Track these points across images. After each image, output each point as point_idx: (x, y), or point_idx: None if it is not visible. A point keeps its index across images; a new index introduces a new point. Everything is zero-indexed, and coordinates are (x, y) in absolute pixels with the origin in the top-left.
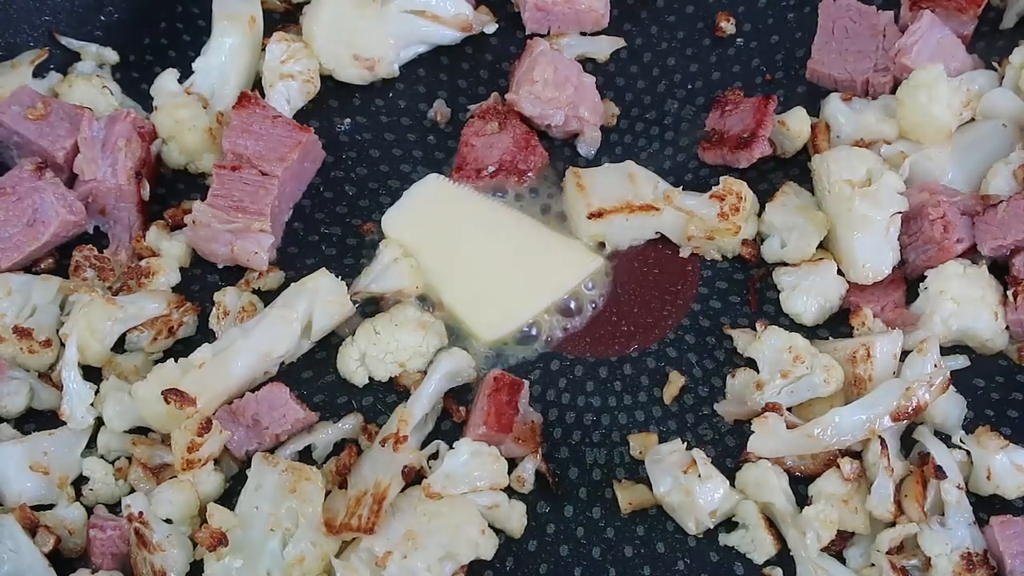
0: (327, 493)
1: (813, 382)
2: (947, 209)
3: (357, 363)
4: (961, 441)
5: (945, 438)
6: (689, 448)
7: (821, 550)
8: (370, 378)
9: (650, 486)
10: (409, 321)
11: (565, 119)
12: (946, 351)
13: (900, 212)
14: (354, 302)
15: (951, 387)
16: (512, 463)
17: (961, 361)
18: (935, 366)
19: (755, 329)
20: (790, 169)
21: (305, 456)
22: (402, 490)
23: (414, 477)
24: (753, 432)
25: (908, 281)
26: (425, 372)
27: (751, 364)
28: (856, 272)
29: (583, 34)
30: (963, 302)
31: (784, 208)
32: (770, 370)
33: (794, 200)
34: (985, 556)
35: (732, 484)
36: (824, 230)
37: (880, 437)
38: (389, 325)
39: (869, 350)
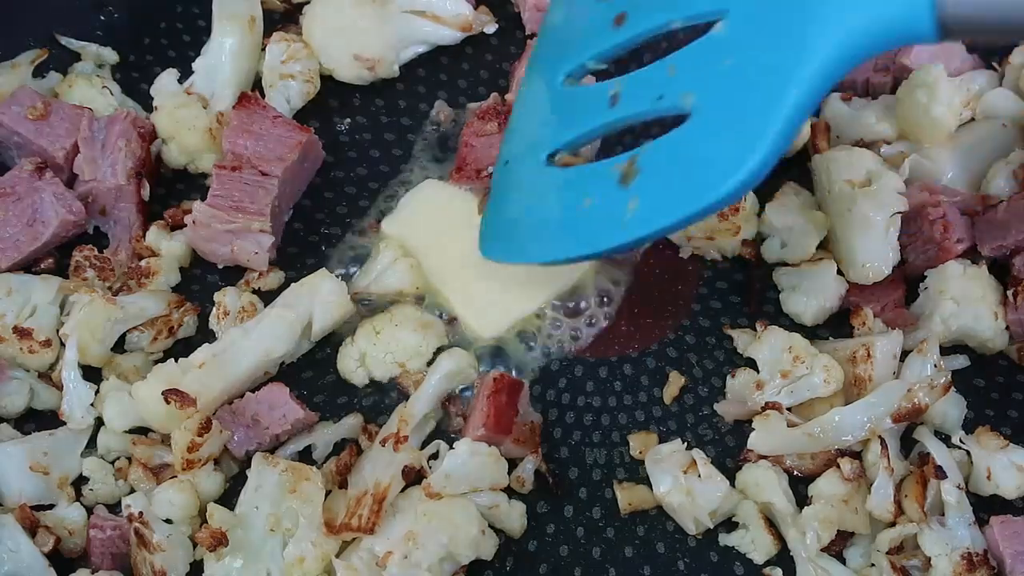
0: (327, 493)
1: (813, 382)
2: (947, 209)
3: (357, 363)
4: (961, 441)
5: (945, 438)
6: (689, 448)
7: (821, 550)
8: (370, 378)
9: (650, 486)
10: (409, 321)
11: None
12: (946, 351)
13: (900, 212)
14: (355, 302)
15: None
16: (512, 463)
17: (961, 361)
18: (935, 367)
19: (755, 329)
20: (790, 169)
21: (305, 456)
22: (402, 490)
23: (414, 477)
24: (754, 430)
25: (908, 281)
26: (425, 372)
27: (751, 364)
28: (856, 272)
29: None
30: (963, 302)
31: (784, 208)
32: (770, 370)
33: (794, 200)
34: (985, 556)
35: (732, 484)
36: (824, 230)
37: (880, 437)
38: (389, 325)
39: (869, 350)
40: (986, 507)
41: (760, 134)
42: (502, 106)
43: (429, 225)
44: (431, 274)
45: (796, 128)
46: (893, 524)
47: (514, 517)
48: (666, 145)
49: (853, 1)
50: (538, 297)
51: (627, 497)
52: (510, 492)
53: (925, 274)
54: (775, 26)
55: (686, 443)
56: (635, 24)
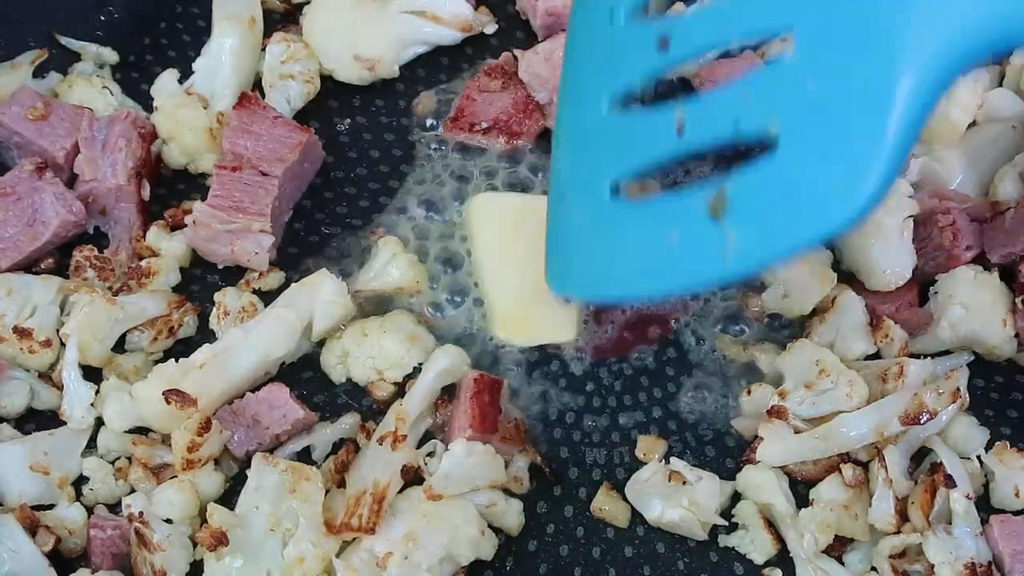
0: (327, 492)
1: (836, 396)
2: (956, 216)
3: (338, 360)
4: (980, 459)
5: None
6: (662, 460)
7: (821, 552)
8: (348, 378)
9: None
10: (399, 331)
11: (549, 101)
12: None
13: (912, 216)
14: (355, 301)
15: (975, 420)
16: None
17: (964, 358)
18: (945, 377)
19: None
20: None
21: (304, 456)
22: (401, 491)
23: (413, 477)
24: (761, 440)
25: (919, 283)
26: (400, 384)
27: (765, 380)
28: (878, 280)
29: None
30: (972, 308)
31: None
32: (795, 381)
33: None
34: (989, 568)
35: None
36: (829, 287)
37: (880, 451)
38: (378, 330)
39: (903, 368)
40: (987, 507)
41: (869, 159)
42: (511, 65)
43: (504, 221)
44: (482, 266)
45: (908, 148)
46: (896, 533)
47: (511, 515)
48: (758, 175)
49: (944, 3)
50: (572, 330)
51: (607, 513)
52: (507, 491)
53: (936, 278)
54: (858, 40)
55: (659, 458)
56: (682, 46)
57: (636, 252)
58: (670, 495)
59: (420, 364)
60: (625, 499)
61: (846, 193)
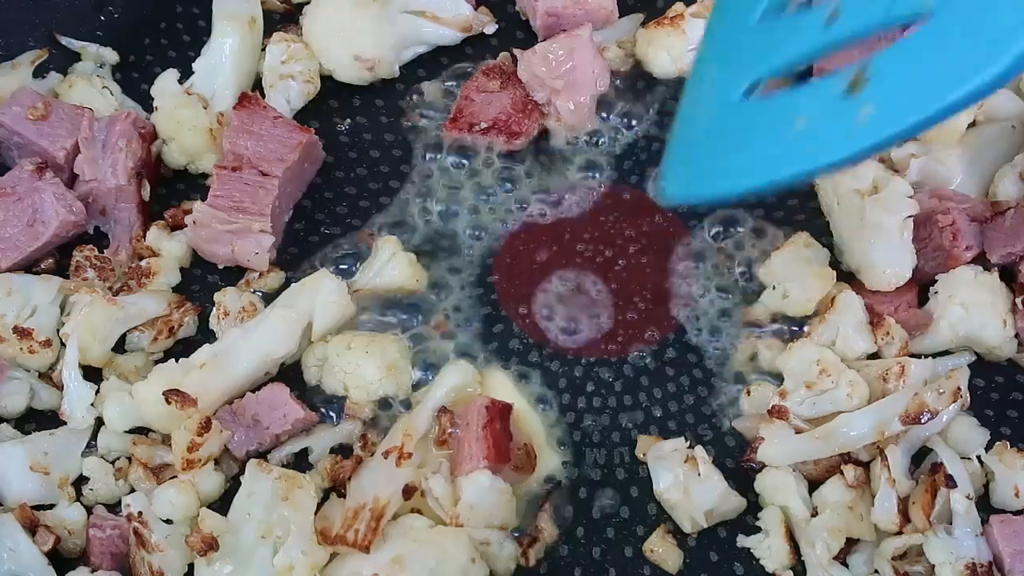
0: (324, 495)
1: (837, 396)
2: (956, 216)
3: (316, 362)
4: (980, 459)
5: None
6: (691, 447)
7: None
8: (318, 382)
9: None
10: (382, 356)
11: (548, 101)
12: None
13: (912, 216)
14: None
15: (975, 420)
16: None
17: (965, 358)
18: (946, 376)
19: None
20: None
21: (301, 458)
22: (394, 517)
23: (412, 496)
24: (762, 440)
25: (919, 284)
26: (360, 405)
27: (766, 380)
28: (877, 279)
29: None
30: (972, 308)
31: (791, 259)
32: (795, 381)
33: (803, 252)
34: (990, 568)
35: (732, 485)
36: (829, 286)
37: (881, 450)
38: (361, 348)
39: (904, 368)
40: (987, 507)
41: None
42: (509, 65)
43: None
44: None
45: None
46: (899, 533)
47: (503, 559)
48: (905, 48)
49: None
50: None
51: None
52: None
53: (936, 278)
54: None
55: (689, 442)
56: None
57: (761, 144)
58: (679, 475)
59: (387, 396)
60: (679, 546)
61: (995, 51)
